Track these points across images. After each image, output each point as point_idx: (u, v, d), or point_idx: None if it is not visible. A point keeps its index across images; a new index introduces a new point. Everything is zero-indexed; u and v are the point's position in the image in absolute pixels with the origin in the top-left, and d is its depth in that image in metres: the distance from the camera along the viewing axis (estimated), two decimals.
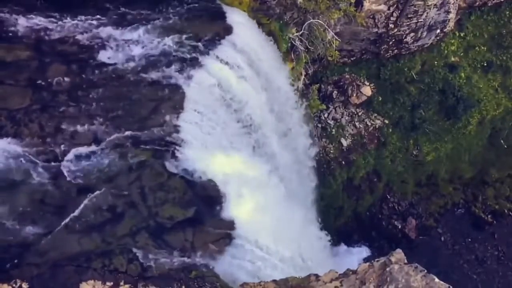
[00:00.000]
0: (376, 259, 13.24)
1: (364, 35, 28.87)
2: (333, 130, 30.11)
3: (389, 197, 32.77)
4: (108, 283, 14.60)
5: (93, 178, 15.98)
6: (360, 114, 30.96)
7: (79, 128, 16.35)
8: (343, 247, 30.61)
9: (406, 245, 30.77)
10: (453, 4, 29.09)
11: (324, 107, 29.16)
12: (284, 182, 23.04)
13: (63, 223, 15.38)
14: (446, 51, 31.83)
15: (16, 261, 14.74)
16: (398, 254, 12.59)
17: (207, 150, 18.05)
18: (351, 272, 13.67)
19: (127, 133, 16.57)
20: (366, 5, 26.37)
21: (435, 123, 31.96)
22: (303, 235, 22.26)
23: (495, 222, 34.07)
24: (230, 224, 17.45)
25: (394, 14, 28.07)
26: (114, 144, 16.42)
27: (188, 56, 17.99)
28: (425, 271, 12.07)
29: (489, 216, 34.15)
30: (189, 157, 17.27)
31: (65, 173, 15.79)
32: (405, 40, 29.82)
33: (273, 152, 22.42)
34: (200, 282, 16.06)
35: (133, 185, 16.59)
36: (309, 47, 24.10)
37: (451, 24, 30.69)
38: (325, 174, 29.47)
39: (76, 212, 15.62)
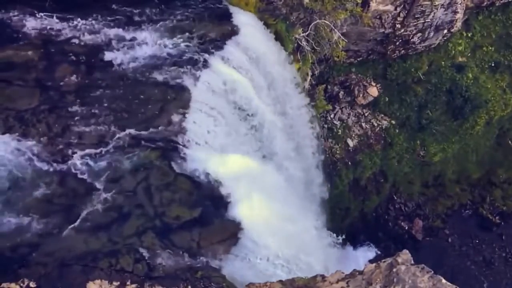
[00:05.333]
0: (382, 260, 13.20)
1: (370, 36, 28.81)
2: (339, 130, 30.07)
3: (395, 197, 32.69)
4: (114, 283, 14.64)
5: (100, 178, 16.04)
6: (366, 114, 30.90)
7: (86, 128, 16.42)
8: (349, 247, 30.55)
9: (412, 246, 30.71)
10: (460, 4, 28.96)
11: (330, 107, 29.14)
12: (291, 182, 23.02)
13: (72, 225, 15.45)
14: (453, 51, 31.69)
15: (24, 260, 14.84)
16: (405, 255, 12.54)
17: (213, 150, 18.09)
18: (357, 273, 13.64)
19: (134, 133, 16.64)
20: (373, 5, 26.31)
21: (442, 124, 31.85)
22: (309, 236, 22.24)
23: (502, 223, 33.92)
24: (237, 225, 17.45)
25: (401, 15, 27.98)
26: (121, 144, 16.49)
27: (195, 56, 18.03)
28: (432, 272, 12.02)
29: (496, 217, 33.99)
30: (196, 158, 17.31)
31: (73, 173, 15.88)
32: (412, 40, 29.72)
33: (280, 152, 22.41)
34: (206, 282, 16.08)
35: (139, 185, 16.64)
36: (315, 47, 24.09)
37: (458, 24, 30.55)
38: (331, 174, 29.43)
39: (84, 213, 15.69)
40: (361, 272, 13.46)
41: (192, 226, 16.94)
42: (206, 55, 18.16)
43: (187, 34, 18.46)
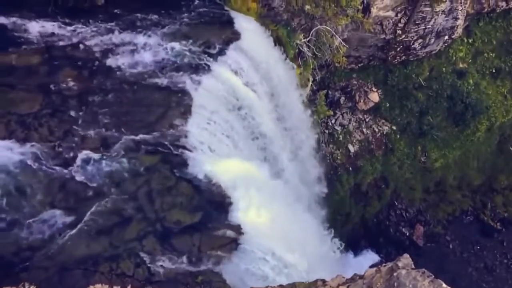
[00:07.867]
0: (383, 264, 13.18)
1: (371, 41, 28.91)
2: (340, 136, 30.09)
3: (396, 203, 32.62)
4: (115, 287, 14.64)
5: (101, 182, 16.08)
6: (367, 120, 30.93)
7: (88, 132, 16.49)
8: (350, 253, 30.47)
9: (413, 252, 30.49)
10: (461, 10, 29.07)
11: (331, 113, 29.19)
12: (292, 187, 23.03)
13: (73, 229, 15.46)
14: (454, 58, 31.78)
15: (25, 264, 14.86)
16: (405, 259, 12.52)
17: (214, 155, 18.12)
18: (358, 277, 13.60)
19: (136, 137, 16.69)
20: (374, 11, 26.42)
21: (443, 130, 31.86)
22: (310, 241, 22.22)
23: (504, 229, 33.84)
24: (237, 229, 17.46)
25: (402, 21, 28.09)
26: (123, 149, 16.54)
27: (197, 61, 18.12)
28: (433, 276, 11.99)
29: (498, 223, 33.91)
30: (197, 162, 17.35)
31: (74, 177, 15.91)
32: (413, 46, 29.81)
33: (280, 157, 22.44)
34: (207, 287, 16.08)
35: (141, 190, 16.68)
36: (317, 53, 24.19)
37: (459, 30, 30.65)
38: (332, 180, 29.42)
39: (85, 217, 15.70)
40: (361, 277, 13.43)
41: (193, 230, 16.96)
42: (208, 60, 18.24)
43: (189, 39, 18.56)
